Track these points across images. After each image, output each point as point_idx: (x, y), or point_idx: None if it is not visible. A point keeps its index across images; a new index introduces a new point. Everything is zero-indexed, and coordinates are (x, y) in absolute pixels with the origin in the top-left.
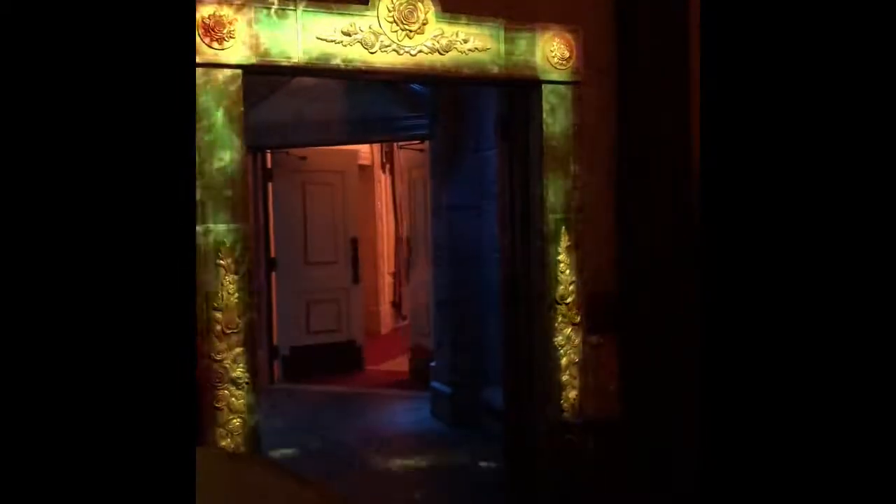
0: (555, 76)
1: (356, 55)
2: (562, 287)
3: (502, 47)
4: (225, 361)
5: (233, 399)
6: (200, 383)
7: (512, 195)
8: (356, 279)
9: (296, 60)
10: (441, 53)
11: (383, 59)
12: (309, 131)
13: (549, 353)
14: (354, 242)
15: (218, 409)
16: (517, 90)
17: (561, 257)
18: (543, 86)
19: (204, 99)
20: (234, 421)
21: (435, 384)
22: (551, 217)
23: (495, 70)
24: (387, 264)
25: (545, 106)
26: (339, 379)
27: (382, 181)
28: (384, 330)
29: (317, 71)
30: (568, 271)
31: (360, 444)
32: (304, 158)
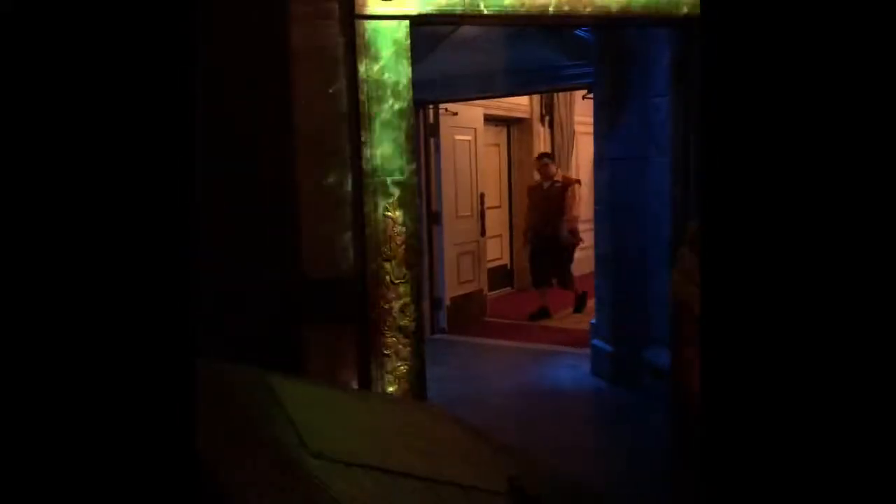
0: None
1: None
2: None
3: None
4: (393, 310)
5: (400, 346)
6: (370, 330)
7: (686, 145)
8: (483, 232)
9: (462, 9)
10: None
11: (555, 2)
12: (470, 85)
13: None
14: (482, 197)
15: (386, 355)
16: (697, 30)
17: None
18: None
19: (373, 50)
20: (402, 368)
21: (595, 342)
22: None
23: (674, 9)
24: None
25: None
26: (498, 331)
27: (541, 134)
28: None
29: (484, 18)
30: None
31: (517, 396)
32: (455, 114)
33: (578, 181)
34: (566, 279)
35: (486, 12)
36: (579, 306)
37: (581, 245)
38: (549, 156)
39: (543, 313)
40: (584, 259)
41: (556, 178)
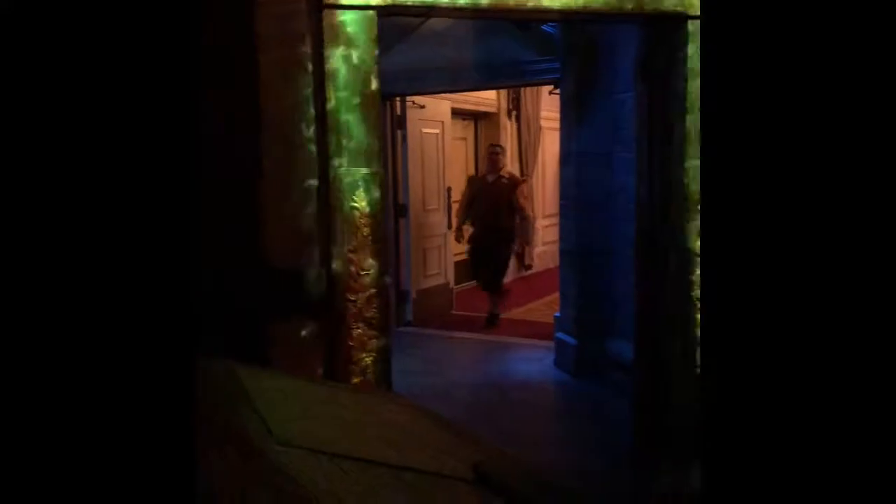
0: None
1: None
2: None
3: None
4: (358, 302)
5: (365, 338)
6: (335, 322)
7: (650, 142)
8: (450, 226)
9: (431, 0)
10: None
11: None
12: (438, 78)
13: (687, 308)
14: (449, 191)
15: (352, 347)
16: (660, 27)
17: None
18: (690, 22)
19: (338, 42)
20: (367, 359)
21: (559, 335)
22: (694, 165)
23: (637, 5)
24: None
25: (691, 45)
26: (464, 324)
27: (508, 128)
28: (507, 279)
29: (451, 11)
30: None
31: (483, 388)
32: (423, 107)
33: (525, 179)
34: (497, 284)
35: (455, 5)
36: (491, 320)
37: (536, 248)
38: (500, 147)
39: (493, 320)
40: (549, 253)
41: (502, 173)
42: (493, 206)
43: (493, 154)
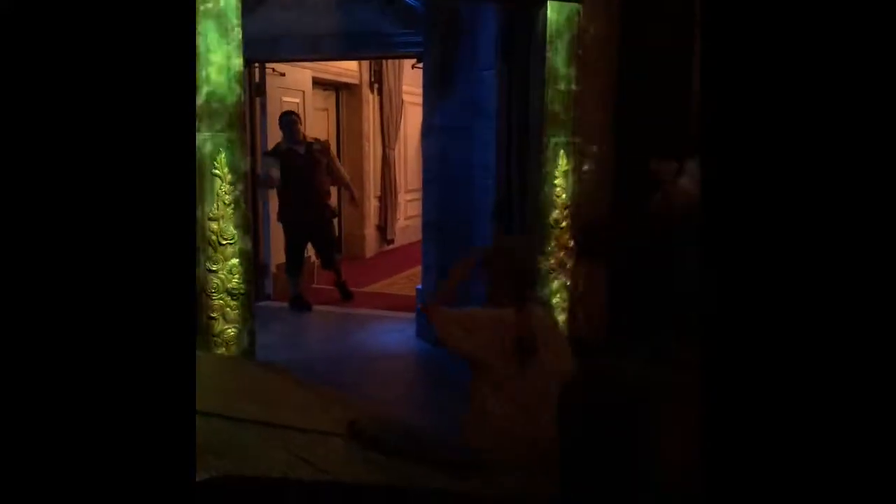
0: None
1: None
2: (556, 211)
3: None
4: (220, 272)
5: (228, 309)
6: (197, 292)
7: (509, 117)
8: None
9: None
10: None
11: None
12: (299, 45)
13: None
14: None
15: (213, 318)
16: (519, 7)
17: (558, 181)
18: (548, 3)
19: (198, 3)
20: (229, 331)
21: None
22: (551, 140)
23: None
24: (373, 187)
25: (549, 25)
26: (325, 298)
27: (371, 101)
28: (369, 254)
29: None
30: (564, 196)
31: (343, 360)
32: (283, 75)
33: (327, 140)
34: (334, 258)
35: None
36: (346, 294)
37: (398, 222)
38: (297, 114)
39: (305, 306)
40: (411, 228)
41: (309, 141)
42: (313, 180)
43: (293, 122)
